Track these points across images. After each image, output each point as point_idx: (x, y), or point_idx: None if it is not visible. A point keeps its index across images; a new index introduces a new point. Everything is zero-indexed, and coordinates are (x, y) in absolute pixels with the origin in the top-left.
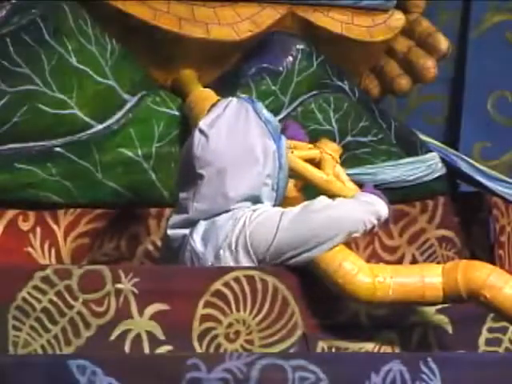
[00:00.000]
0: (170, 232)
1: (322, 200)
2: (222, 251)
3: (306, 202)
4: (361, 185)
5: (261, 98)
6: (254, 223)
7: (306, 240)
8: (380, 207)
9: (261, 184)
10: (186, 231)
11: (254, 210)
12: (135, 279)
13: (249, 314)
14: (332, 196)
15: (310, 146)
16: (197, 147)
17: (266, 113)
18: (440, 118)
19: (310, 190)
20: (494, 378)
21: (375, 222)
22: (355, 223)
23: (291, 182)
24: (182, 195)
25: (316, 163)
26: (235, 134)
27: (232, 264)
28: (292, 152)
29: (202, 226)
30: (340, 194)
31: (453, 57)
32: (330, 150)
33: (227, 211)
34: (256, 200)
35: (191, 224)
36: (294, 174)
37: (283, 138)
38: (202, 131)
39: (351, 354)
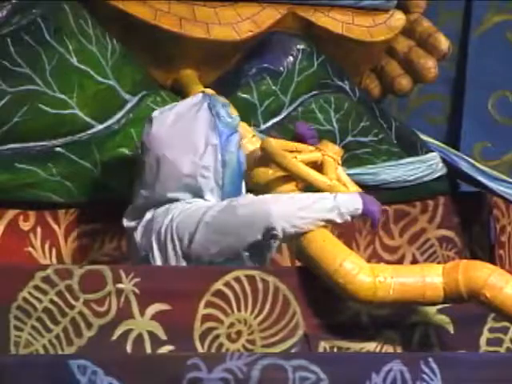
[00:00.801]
0: (124, 223)
1: (247, 196)
2: (153, 242)
3: (232, 198)
4: (362, 186)
5: (261, 97)
6: (181, 216)
7: (226, 235)
8: (343, 205)
9: (197, 175)
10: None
11: (189, 203)
12: (136, 279)
13: (250, 314)
14: None
15: (312, 148)
16: (143, 133)
17: (221, 109)
18: (441, 118)
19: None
20: (495, 377)
21: (330, 217)
22: (272, 221)
23: (292, 184)
24: (134, 184)
25: (318, 166)
26: (181, 123)
27: (159, 256)
28: (295, 157)
29: (146, 216)
30: None
31: (453, 57)
32: (331, 152)
33: (170, 201)
34: (196, 193)
35: (140, 214)
36: (296, 178)
37: (236, 136)
38: (150, 118)
39: (351, 354)
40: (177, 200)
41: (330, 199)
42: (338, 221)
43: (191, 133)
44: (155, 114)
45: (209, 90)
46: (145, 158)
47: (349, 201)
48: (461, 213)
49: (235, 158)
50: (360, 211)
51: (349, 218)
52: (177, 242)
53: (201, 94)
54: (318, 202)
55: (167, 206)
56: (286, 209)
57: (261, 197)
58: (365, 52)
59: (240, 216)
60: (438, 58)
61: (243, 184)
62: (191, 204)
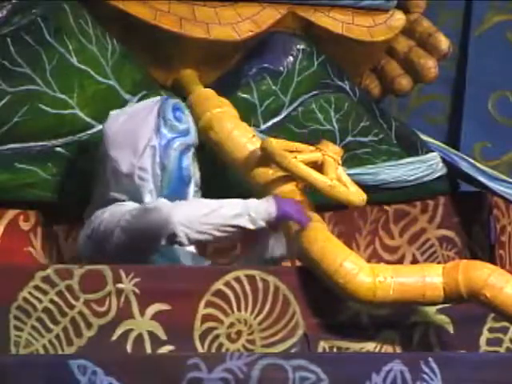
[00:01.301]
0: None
1: (157, 202)
2: (86, 241)
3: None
4: (362, 186)
5: (261, 97)
6: (109, 216)
7: (136, 240)
8: (254, 210)
9: (134, 175)
10: None
11: (122, 205)
12: (136, 279)
13: (250, 314)
14: (336, 201)
15: (312, 148)
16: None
17: (170, 111)
18: (441, 118)
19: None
20: (495, 377)
21: (238, 223)
22: (172, 227)
23: (292, 184)
24: None
25: (318, 166)
26: (130, 124)
27: (87, 251)
28: (295, 157)
29: (92, 217)
30: (344, 198)
31: (453, 57)
32: (331, 152)
33: (114, 200)
34: (134, 194)
35: (91, 214)
36: (297, 178)
37: (179, 142)
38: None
39: (352, 354)
40: (118, 200)
41: (238, 204)
42: (250, 227)
43: (135, 133)
44: (114, 112)
45: (208, 90)
46: (97, 155)
47: (260, 205)
48: (461, 213)
49: (176, 161)
50: (274, 215)
51: (262, 224)
52: (102, 243)
53: (159, 97)
54: (224, 207)
55: (108, 207)
56: (189, 215)
57: (168, 203)
58: (365, 52)
59: (146, 222)
60: (438, 57)
61: (190, 190)
62: (123, 205)
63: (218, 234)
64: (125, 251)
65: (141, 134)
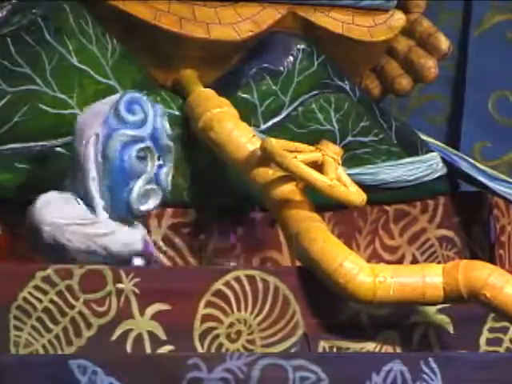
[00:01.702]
0: None
1: (46, 195)
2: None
3: None
4: (362, 186)
5: (262, 97)
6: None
7: (34, 238)
8: (122, 234)
9: (80, 163)
10: None
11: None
12: (136, 279)
13: (250, 314)
14: (336, 201)
15: (312, 148)
16: None
17: (122, 104)
18: (441, 118)
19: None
20: (495, 377)
21: (108, 243)
22: (37, 223)
23: (292, 184)
24: None
25: (318, 166)
26: (90, 117)
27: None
28: (295, 157)
29: None
30: (344, 198)
31: (453, 57)
32: (331, 152)
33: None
34: (80, 181)
35: None
36: (297, 178)
37: (125, 132)
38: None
39: (352, 353)
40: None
41: (110, 226)
42: (115, 251)
43: (89, 125)
44: (84, 108)
45: (208, 90)
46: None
47: (131, 235)
48: (461, 213)
49: (117, 152)
50: (140, 249)
51: (126, 253)
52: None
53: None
54: (98, 223)
55: None
56: (61, 217)
57: (50, 198)
58: (365, 52)
59: (33, 214)
60: (438, 57)
61: (136, 185)
62: None
63: (81, 245)
64: (39, 249)
65: (93, 124)
